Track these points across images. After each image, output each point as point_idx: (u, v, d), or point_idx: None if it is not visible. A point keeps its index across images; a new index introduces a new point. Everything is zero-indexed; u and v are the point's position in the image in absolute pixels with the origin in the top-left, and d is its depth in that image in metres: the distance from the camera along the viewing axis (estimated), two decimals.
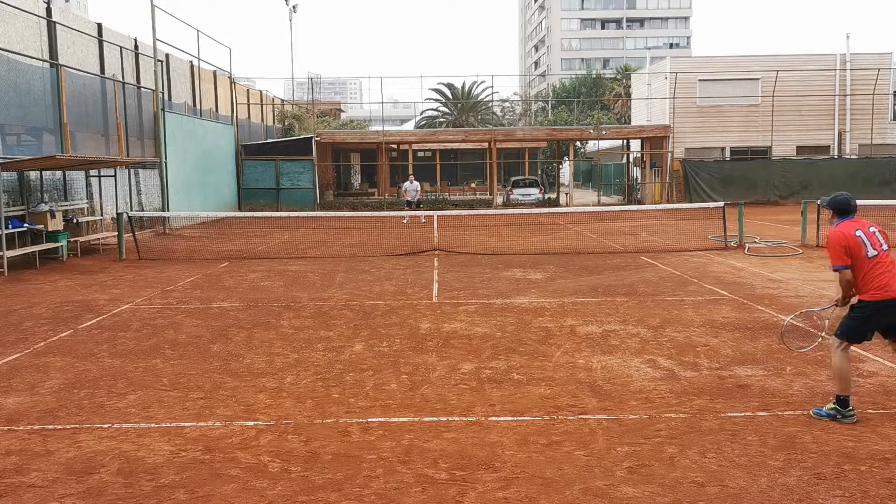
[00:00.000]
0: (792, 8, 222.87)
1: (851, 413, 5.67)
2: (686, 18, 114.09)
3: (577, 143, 49.22)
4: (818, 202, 29.96)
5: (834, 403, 5.73)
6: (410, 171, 33.70)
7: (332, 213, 26.09)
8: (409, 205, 26.41)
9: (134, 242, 17.15)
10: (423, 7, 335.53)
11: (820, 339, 6.68)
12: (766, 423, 5.65)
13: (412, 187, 26.55)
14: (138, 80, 23.04)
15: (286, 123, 41.85)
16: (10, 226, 14.83)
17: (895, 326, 5.81)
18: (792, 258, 15.25)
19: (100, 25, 21.02)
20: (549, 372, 7.10)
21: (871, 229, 5.75)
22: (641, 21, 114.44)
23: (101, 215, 19.65)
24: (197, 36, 27.09)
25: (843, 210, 5.85)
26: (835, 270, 5.77)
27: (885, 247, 5.72)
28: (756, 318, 9.39)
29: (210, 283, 12.87)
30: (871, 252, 5.64)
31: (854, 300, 5.78)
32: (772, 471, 4.79)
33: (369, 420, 5.84)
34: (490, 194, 37.15)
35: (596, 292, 11.44)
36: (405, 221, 25.04)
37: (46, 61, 17.49)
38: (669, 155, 33.49)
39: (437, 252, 16.78)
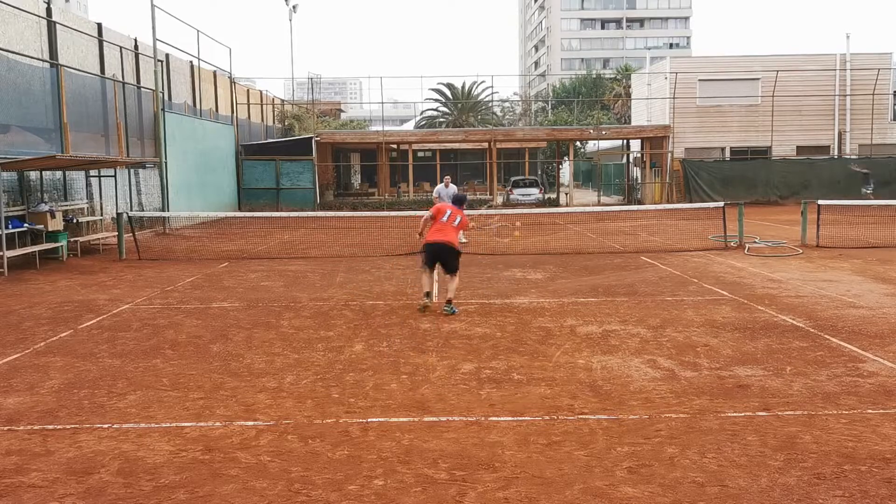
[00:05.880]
0: (792, 8, 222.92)
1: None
2: (686, 18, 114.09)
3: (577, 143, 49.21)
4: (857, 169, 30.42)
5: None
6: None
7: (332, 213, 26.07)
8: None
9: (134, 242, 17.14)
10: (423, 7, 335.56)
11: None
12: (766, 423, 5.65)
13: (447, 192, 18.75)
14: (138, 80, 23.04)
15: (286, 123, 41.84)
16: (10, 226, 14.83)
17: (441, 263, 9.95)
18: (792, 258, 15.25)
19: (100, 25, 21.02)
20: (549, 372, 7.10)
21: (457, 215, 9.99)
22: (641, 21, 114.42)
23: (101, 215, 19.64)
24: (197, 36, 27.09)
25: (458, 200, 10.64)
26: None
27: (455, 222, 9.95)
28: (756, 318, 9.39)
29: (210, 283, 12.87)
30: (446, 219, 9.90)
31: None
32: (772, 471, 4.79)
33: (369, 420, 5.84)
34: (490, 194, 37.15)
35: (596, 292, 11.44)
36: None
37: (46, 61, 17.49)
38: (669, 155, 33.49)
39: None
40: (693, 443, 5.27)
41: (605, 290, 11.65)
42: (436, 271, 10.34)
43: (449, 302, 9.71)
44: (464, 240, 20.07)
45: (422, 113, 65.59)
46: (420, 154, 46.27)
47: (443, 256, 9.75)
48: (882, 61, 33.55)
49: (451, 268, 9.83)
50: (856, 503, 4.36)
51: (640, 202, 35.36)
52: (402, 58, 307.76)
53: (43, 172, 16.95)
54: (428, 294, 9.82)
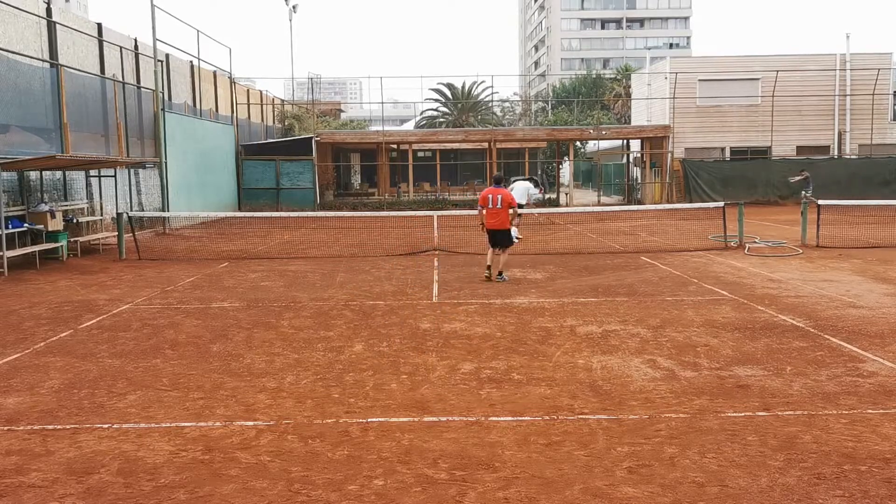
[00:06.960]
0: (792, 8, 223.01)
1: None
2: (686, 18, 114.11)
3: (577, 143, 49.20)
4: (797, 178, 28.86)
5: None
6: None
7: (332, 214, 26.08)
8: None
9: (134, 242, 17.14)
10: (423, 7, 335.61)
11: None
12: (766, 423, 5.65)
13: (522, 188, 19.26)
14: (138, 80, 23.03)
15: (286, 123, 41.83)
16: (10, 226, 14.82)
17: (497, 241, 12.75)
18: (792, 258, 15.25)
19: (100, 25, 21.01)
20: (549, 372, 7.10)
21: (498, 196, 12.56)
22: (641, 21, 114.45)
23: (101, 215, 19.64)
24: (197, 36, 27.09)
25: (496, 181, 13.27)
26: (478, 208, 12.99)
27: (499, 205, 12.53)
28: (756, 318, 9.39)
29: (210, 283, 12.87)
30: (491, 205, 12.58)
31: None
32: (772, 471, 4.79)
33: (369, 420, 5.84)
34: None
35: (596, 292, 11.44)
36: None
37: (46, 61, 17.49)
38: (669, 155, 33.49)
39: (437, 252, 16.78)
40: (693, 443, 5.27)
41: (605, 290, 11.65)
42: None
43: (500, 273, 12.70)
44: (519, 236, 19.70)
45: (422, 113, 65.58)
46: (420, 154, 46.22)
47: (498, 237, 12.71)
48: (882, 61, 33.54)
49: (503, 245, 12.78)
50: (856, 503, 4.36)
51: (640, 202, 35.35)
52: (402, 58, 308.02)
53: (43, 172, 16.95)
54: (489, 267, 12.75)
